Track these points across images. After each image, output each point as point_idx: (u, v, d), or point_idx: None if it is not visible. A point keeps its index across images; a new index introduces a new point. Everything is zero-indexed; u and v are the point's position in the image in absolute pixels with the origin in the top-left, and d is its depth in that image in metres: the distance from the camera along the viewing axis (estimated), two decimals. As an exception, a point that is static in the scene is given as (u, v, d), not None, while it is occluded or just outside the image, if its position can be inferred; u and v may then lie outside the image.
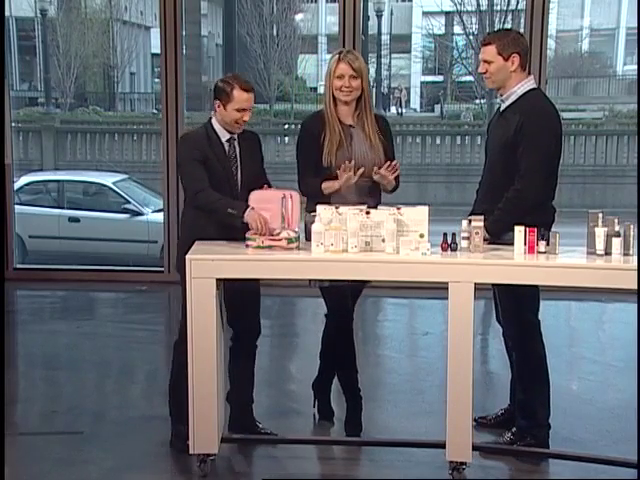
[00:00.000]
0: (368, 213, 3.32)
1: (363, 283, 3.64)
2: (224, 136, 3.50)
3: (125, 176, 10.57)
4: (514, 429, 3.62)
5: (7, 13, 6.77)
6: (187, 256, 3.30)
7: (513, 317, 3.55)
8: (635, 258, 3.20)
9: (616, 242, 3.21)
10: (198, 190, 3.43)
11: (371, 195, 3.57)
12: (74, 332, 5.58)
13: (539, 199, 3.40)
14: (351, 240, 3.27)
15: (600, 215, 3.25)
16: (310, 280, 3.53)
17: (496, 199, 3.43)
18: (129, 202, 9.64)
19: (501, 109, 3.55)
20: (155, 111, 15.32)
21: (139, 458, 3.59)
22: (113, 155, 13.88)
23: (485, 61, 3.48)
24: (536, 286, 3.44)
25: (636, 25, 19.27)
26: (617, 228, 3.22)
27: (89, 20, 16.15)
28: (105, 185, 9.81)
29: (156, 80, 16.08)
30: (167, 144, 6.86)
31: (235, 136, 3.52)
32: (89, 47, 16.10)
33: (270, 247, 3.32)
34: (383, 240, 3.30)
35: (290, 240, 3.33)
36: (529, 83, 3.49)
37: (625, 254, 3.21)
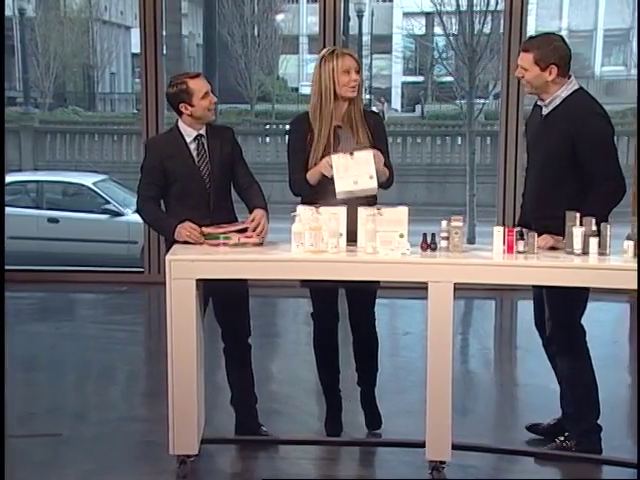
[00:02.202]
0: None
1: (374, 284, 3.56)
2: (190, 135, 3.49)
3: (105, 176, 10.54)
4: (566, 434, 3.59)
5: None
6: (167, 257, 3.29)
7: (561, 319, 3.51)
8: (611, 257, 3.23)
9: (593, 242, 3.23)
10: (141, 200, 3.51)
11: (365, 196, 3.48)
12: (54, 333, 5.54)
13: (623, 191, 3.40)
14: (330, 240, 3.28)
15: (577, 215, 3.28)
16: (301, 280, 3.50)
17: (548, 205, 3.41)
18: (109, 202, 9.61)
19: (544, 113, 3.48)
20: (136, 111, 15.26)
21: (119, 460, 3.57)
22: (93, 155, 13.81)
23: (522, 67, 3.42)
24: (587, 288, 3.40)
25: (614, 27, 19.51)
26: (594, 228, 3.25)
27: (68, 20, 16.06)
28: (84, 185, 9.77)
29: (137, 80, 16.01)
30: (147, 144, 6.83)
31: (203, 132, 3.50)
32: (68, 47, 16.01)
33: (244, 244, 3.37)
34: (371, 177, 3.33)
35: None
36: (572, 85, 3.42)
37: (601, 254, 3.24)
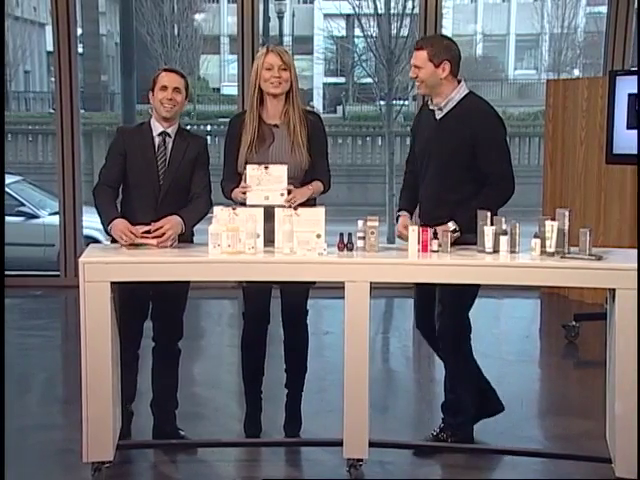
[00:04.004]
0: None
1: (307, 282, 3.55)
2: (157, 130, 3.53)
3: (19, 178, 10.24)
4: (442, 425, 3.68)
5: None
6: (80, 259, 3.24)
7: (452, 316, 3.58)
8: (520, 255, 3.34)
9: (503, 240, 3.33)
10: (99, 183, 3.54)
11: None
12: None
13: (513, 191, 3.51)
14: (248, 241, 3.28)
15: (488, 214, 3.37)
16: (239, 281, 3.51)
17: (446, 206, 3.46)
18: (24, 205, 9.35)
19: (437, 117, 3.53)
20: (52, 111, 14.89)
21: (32, 468, 3.49)
22: (7, 156, 13.39)
23: (416, 66, 3.48)
24: (477, 285, 3.50)
25: (526, 32, 20.12)
26: (504, 227, 3.35)
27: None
28: (-3, 187, 9.43)
29: (52, 79, 15.63)
30: (62, 144, 6.69)
31: (170, 132, 3.53)
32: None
33: (143, 245, 3.36)
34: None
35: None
36: (463, 88, 3.52)
37: (512, 252, 3.34)
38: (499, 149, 3.50)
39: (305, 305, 3.72)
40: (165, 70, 3.59)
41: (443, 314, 3.60)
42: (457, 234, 3.44)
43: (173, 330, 3.66)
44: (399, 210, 3.69)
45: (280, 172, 3.40)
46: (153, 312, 3.63)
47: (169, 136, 3.54)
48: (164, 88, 3.49)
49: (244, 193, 3.43)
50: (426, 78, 3.47)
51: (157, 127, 3.54)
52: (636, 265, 3.16)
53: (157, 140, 3.53)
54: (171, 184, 3.51)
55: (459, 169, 3.49)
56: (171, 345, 3.68)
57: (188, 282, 3.55)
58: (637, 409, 3.18)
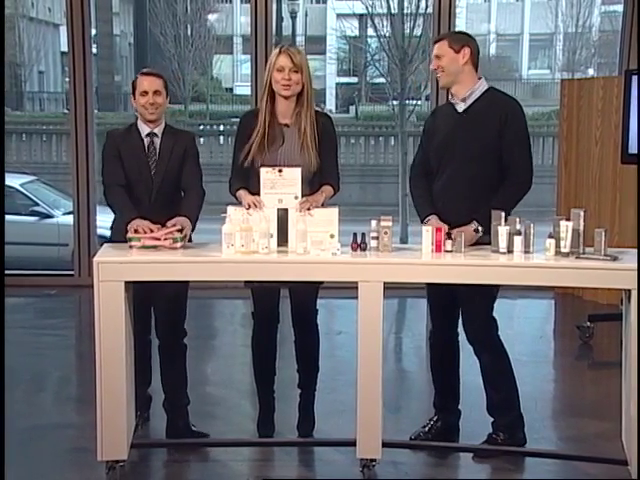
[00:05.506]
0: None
1: (316, 282, 3.55)
2: (144, 131, 3.60)
3: (33, 177, 10.30)
4: (497, 430, 3.63)
5: None
6: (95, 259, 3.26)
7: (479, 317, 3.56)
8: (534, 255, 3.33)
9: (517, 240, 3.32)
10: (106, 185, 3.60)
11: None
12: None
13: (531, 184, 3.54)
14: (261, 241, 3.29)
15: (502, 214, 3.35)
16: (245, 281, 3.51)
17: (471, 198, 3.45)
18: (38, 204, 9.41)
19: (459, 109, 3.52)
20: (66, 111, 14.97)
21: (46, 467, 3.50)
22: (21, 156, 13.49)
23: (437, 56, 3.50)
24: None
25: (539, 32, 20.04)
26: (518, 227, 3.34)
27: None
28: (12, 187, 9.49)
29: (67, 79, 15.69)
30: (76, 145, 6.72)
31: (157, 132, 3.61)
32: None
33: (155, 247, 3.34)
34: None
35: (175, 239, 3.36)
36: (484, 83, 3.53)
37: (526, 252, 3.32)
38: (525, 140, 3.51)
39: (315, 304, 3.72)
40: (143, 74, 3.64)
41: (471, 316, 3.58)
42: (480, 234, 3.42)
43: (174, 328, 3.70)
44: (427, 215, 3.53)
45: (294, 175, 3.40)
46: (155, 310, 3.69)
47: (156, 136, 3.62)
48: (144, 93, 3.56)
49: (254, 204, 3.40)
50: (448, 65, 3.48)
51: (144, 129, 3.61)
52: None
53: (146, 141, 3.60)
54: (162, 181, 3.58)
55: (487, 161, 3.46)
56: (176, 342, 3.71)
57: (188, 282, 3.58)
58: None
